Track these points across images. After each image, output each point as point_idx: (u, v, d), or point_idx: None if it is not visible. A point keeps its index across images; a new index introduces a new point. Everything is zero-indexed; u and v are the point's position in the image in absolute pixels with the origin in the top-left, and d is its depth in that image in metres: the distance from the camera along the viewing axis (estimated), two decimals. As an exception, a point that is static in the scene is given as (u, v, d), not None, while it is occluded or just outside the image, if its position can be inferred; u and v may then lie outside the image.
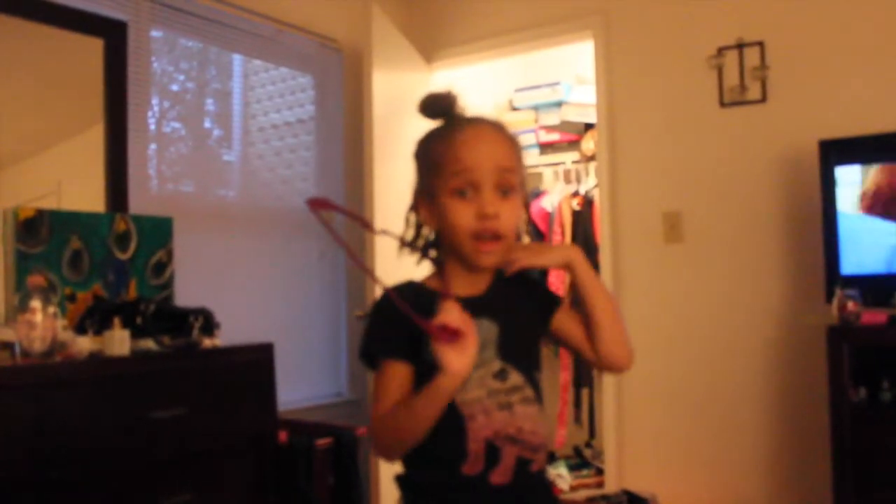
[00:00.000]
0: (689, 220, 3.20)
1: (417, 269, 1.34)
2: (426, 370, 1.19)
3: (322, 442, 2.75)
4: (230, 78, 3.26)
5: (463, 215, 1.20)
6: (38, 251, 2.34)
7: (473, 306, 1.22)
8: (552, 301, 1.36)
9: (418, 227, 1.30)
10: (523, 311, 1.32)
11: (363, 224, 1.27)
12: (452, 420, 1.18)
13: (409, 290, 1.25)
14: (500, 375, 1.22)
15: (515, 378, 1.23)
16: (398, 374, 1.21)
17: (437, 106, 1.27)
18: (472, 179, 1.20)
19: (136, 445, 2.11)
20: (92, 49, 2.61)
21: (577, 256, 1.30)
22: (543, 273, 3.96)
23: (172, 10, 2.92)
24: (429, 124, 1.30)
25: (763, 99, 3.04)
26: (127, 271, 2.56)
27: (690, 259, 3.20)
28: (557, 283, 3.92)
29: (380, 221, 3.01)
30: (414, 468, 1.24)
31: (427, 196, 1.25)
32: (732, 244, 3.10)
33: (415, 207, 1.29)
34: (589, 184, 3.96)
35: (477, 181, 1.20)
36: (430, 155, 1.25)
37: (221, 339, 2.43)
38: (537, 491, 1.26)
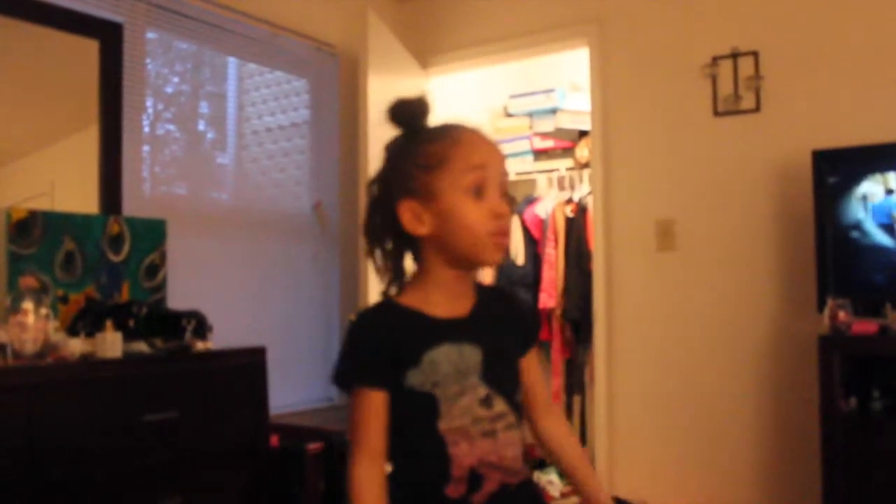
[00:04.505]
0: (683, 228, 3.21)
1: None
2: (404, 397, 1.18)
3: (313, 446, 2.74)
4: (225, 80, 3.26)
5: (477, 213, 1.18)
6: (30, 252, 2.33)
7: (456, 329, 1.21)
8: (530, 338, 1.35)
9: (398, 235, 1.23)
10: (506, 333, 1.29)
11: None
12: (435, 446, 1.17)
13: (387, 312, 1.23)
14: (486, 402, 1.20)
15: (500, 405, 1.21)
16: (374, 402, 1.18)
17: (409, 112, 1.25)
18: (485, 178, 1.19)
19: (127, 448, 2.10)
20: (87, 50, 2.61)
21: None
22: (536, 277, 3.97)
23: (168, 12, 2.91)
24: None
25: (757, 108, 3.06)
26: (120, 273, 2.55)
27: (683, 267, 3.21)
28: (548, 295, 3.93)
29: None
30: (397, 484, 1.21)
31: (420, 197, 1.20)
32: (725, 252, 3.11)
33: (387, 213, 1.23)
34: (583, 191, 3.97)
35: (488, 180, 1.19)
36: (430, 154, 1.20)
37: (214, 343, 2.42)
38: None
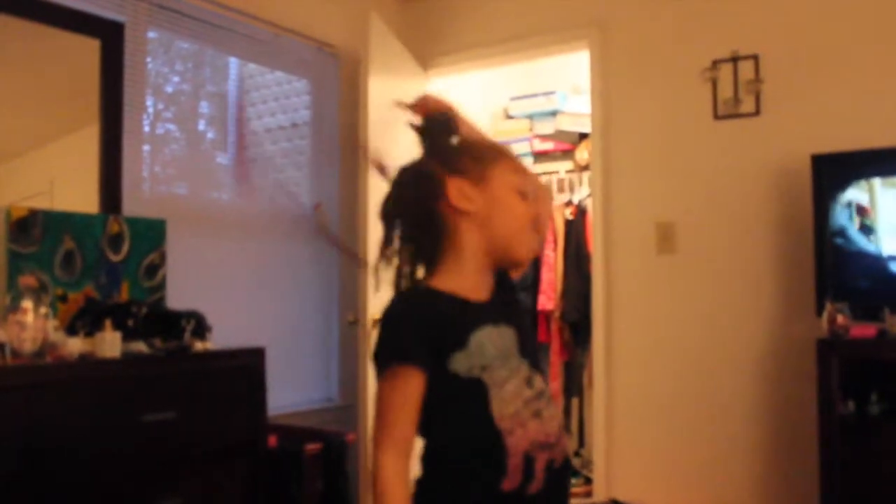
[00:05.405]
0: (682, 231, 3.21)
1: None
2: (448, 385, 1.16)
3: (311, 447, 2.74)
4: (225, 80, 3.26)
5: (524, 212, 1.25)
6: (30, 251, 2.33)
7: (491, 311, 1.22)
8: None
9: (434, 218, 1.25)
10: (520, 307, 1.33)
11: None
12: (490, 437, 1.15)
13: (427, 294, 1.22)
14: (529, 383, 1.20)
15: (539, 382, 1.21)
16: (410, 384, 1.16)
17: (439, 128, 1.31)
18: (527, 192, 1.27)
19: (125, 448, 2.10)
20: (88, 49, 2.61)
21: None
22: (535, 279, 3.97)
23: (169, 11, 2.91)
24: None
25: (757, 112, 3.06)
26: (119, 273, 2.56)
27: (682, 270, 3.21)
28: (547, 297, 3.93)
29: (374, 227, 3.01)
30: (443, 484, 1.18)
31: (470, 179, 1.23)
32: (724, 256, 3.11)
33: (429, 189, 1.24)
34: (582, 193, 3.98)
35: (529, 196, 1.27)
36: (484, 148, 1.28)
37: (213, 343, 2.42)
38: (563, 490, 1.26)
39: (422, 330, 1.16)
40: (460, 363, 1.16)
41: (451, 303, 1.20)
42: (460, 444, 1.17)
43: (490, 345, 1.18)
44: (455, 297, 1.21)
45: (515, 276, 1.38)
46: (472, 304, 1.21)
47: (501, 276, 1.31)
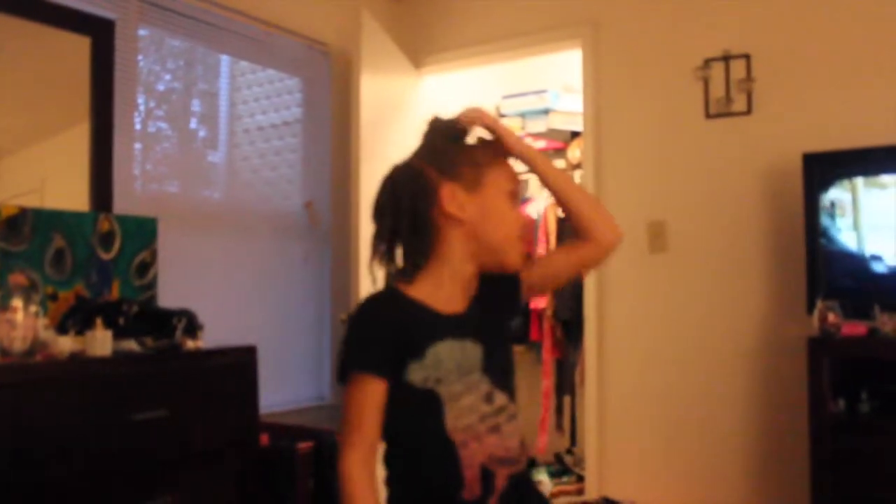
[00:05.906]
0: (674, 230, 3.22)
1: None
2: (404, 394, 1.17)
3: (303, 445, 2.74)
4: (217, 78, 3.25)
5: (513, 215, 1.28)
6: (20, 249, 2.31)
7: (458, 325, 1.22)
8: (513, 279, 1.33)
9: (423, 219, 1.24)
10: (498, 323, 1.32)
11: None
12: (443, 448, 1.17)
13: (393, 300, 1.23)
14: (489, 399, 1.21)
15: (501, 398, 1.22)
16: (374, 392, 1.18)
17: (442, 131, 1.31)
18: (517, 193, 1.31)
19: (116, 447, 2.09)
20: (79, 47, 2.59)
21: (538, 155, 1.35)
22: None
23: (160, 9, 2.90)
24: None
25: (748, 111, 3.07)
26: (110, 271, 2.54)
27: (674, 269, 3.22)
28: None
29: (366, 226, 3.01)
30: (408, 492, 1.21)
31: (465, 185, 1.24)
32: (716, 255, 3.12)
33: (422, 192, 1.23)
34: (574, 192, 3.97)
35: (518, 197, 1.32)
36: (481, 155, 1.28)
37: (204, 341, 2.41)
38: (530, 497, 1.27)
39: (384, 339, 1.18)
40: (416, 374, 1.17)
41: (416, 312, 1.21)
42: (417, 452, 1.20)
43: (448, 358, 1.19)
44: (423, 307, 1.22)
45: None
46: (438, 316, 1.22)
47: (502, 283, 1.31)
